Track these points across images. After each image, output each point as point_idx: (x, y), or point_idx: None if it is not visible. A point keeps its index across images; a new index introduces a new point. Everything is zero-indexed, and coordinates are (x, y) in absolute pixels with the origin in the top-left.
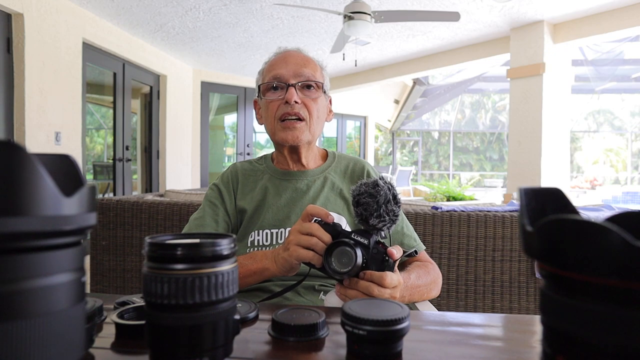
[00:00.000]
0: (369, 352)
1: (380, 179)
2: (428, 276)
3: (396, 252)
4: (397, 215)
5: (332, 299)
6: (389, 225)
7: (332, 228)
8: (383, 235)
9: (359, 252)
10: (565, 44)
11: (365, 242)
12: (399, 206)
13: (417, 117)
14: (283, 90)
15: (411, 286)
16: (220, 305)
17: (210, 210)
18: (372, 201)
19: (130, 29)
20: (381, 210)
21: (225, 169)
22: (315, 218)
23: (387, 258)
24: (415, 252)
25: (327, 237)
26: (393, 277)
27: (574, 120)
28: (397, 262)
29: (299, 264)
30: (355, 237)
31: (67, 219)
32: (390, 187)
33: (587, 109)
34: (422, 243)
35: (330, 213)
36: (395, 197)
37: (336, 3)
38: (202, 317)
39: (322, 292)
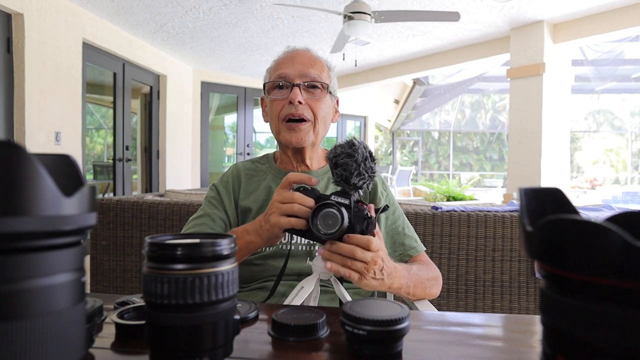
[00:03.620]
0: (369, 352)
1: (353, 138)
2: (429, 272)
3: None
4: (374, 172)
5: (318, 263)
6: (368, 182)
7: (313, 193)
8: (361, 194)
9: (344, 213)
10: (565, 44)
11: (347, 202)
12: (375, 163)
13: (417, 117)
14: (288, 90)
15: (414, 275)
16: (220, 305)
17: (209, 210)
18: (351, 160)
19: (130, 29)
20: (360, 169)
21: (226, 169)
22: (297, 186)
23: (369, 215)
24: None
25: (310, 202)
26: (377, 242)
27: (574, 120)
28: (377, 217)
29: (282, 232)
30: (336, 199)
31: (67, 219)
32: (365, 145)
33: (587, 109)
34: (422, 244)
35: (313, 177)
36: (371, 154)
37: (336, 3)
38: (202, 317)
39: (308, 258)
